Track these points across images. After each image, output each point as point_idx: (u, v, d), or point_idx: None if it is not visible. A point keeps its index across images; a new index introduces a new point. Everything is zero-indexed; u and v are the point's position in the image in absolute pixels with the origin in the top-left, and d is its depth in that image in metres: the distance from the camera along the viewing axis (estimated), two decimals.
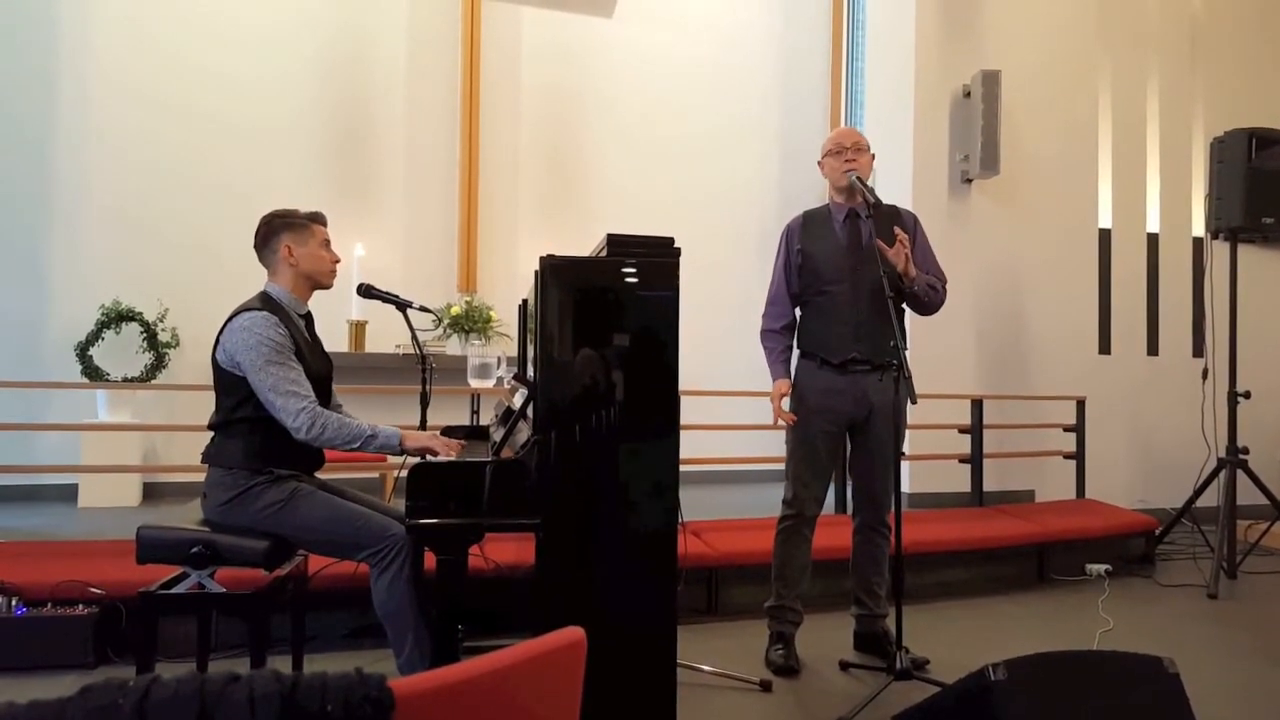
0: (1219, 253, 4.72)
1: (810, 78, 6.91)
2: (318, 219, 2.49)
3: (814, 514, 3.00)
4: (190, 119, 5.58)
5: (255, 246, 2.46)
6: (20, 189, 5.29)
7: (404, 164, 6.04)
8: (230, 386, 2.32)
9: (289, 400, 2.24)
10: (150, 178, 5.49)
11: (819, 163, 3.10)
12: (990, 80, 5.21)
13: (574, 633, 0.96)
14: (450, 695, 0.82)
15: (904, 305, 3.00)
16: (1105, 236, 5.86)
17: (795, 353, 3.10)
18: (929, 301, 2.96)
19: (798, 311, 3.09)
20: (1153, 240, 6.00)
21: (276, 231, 2.44)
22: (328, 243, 2.50)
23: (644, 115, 6.50)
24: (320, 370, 2.47)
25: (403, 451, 2.35)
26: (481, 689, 0.85)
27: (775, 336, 3.06)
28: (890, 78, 5.67)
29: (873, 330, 2.91)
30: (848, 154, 2.96)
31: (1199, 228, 5.97)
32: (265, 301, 2.37)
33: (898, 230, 2.80)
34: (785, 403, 2.99)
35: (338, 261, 2.53)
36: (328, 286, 2.52)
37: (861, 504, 3.06)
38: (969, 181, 5.39)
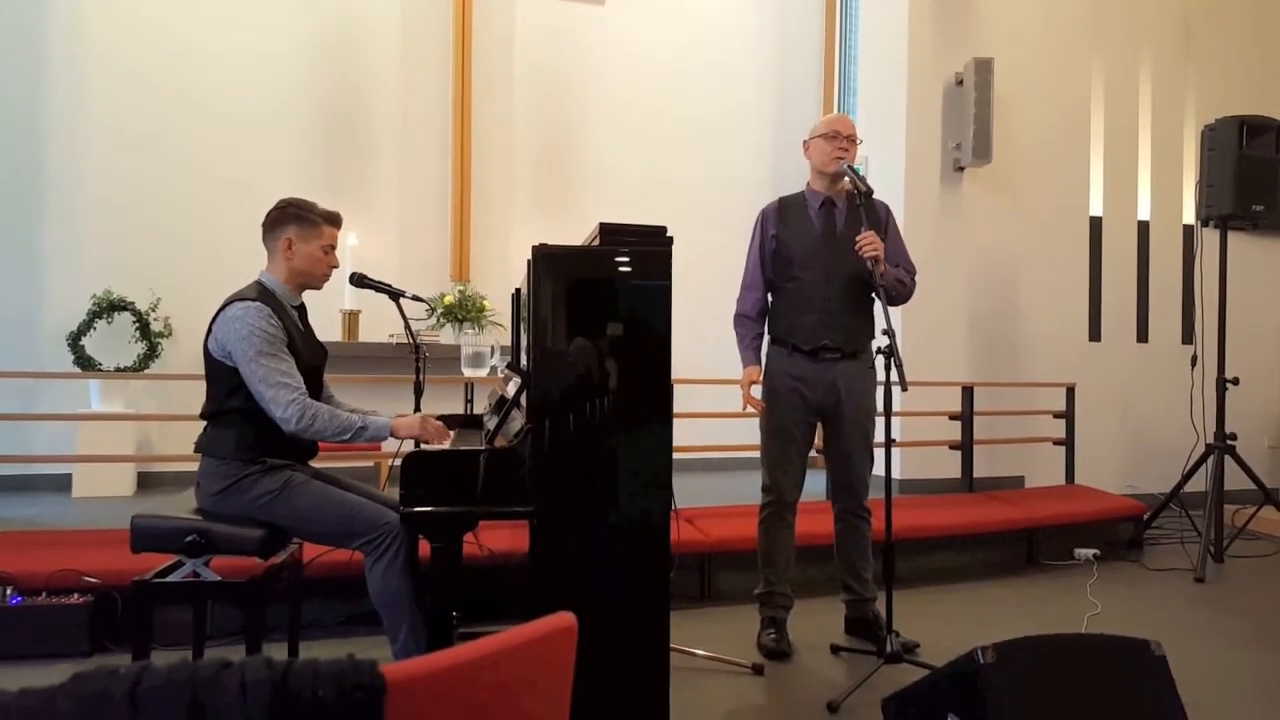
0: (1209, 240, 4.75)
1: (803, 65, 6.89)
2: (332, 220, 2.47)
3: (794, 498, 3.03)
4: (182, 105, 5.53)
5: (262, 226, 2.44)
6: (11, 177, 5.26)
7: (397, 152, 6.01)
8: (222, 376, 2.31)
9: (279, 392, 2.23)
10: (142, 164, 5.46)
11: (805, 142, 3.09)
12: (983, 68, 5.21)
13: (565, 618, 0.97)
14: (442, 680, 0.83)
15: (873, 296, 3.02)
16: (1096, 224, 5.88)
17: (765, 339, 3.11)
18: (897, 295, 2.97)
19: (769, 297, 3.10)
20: (1143, 228, 6.02)
21: (286, 221, 2.41)
22: (332, 247, 2.48)
23: (636, 103, 6.48)
24: (313, 361, 2.47)
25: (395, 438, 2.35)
26: (473, 674, 0.86)
27: (748, 322, 3.07)
28: (883, 65, 5.67)
29: (844, 318, 2.95)
30: (841, 141, 2.96)
31: (1189, 215, 5.99)
32: (260, 292, 2.36)
33: (867, 232, 2.79)
34: (755, 390, 3.01)
35: (335, 267, 2.51)
36: (317, 288, 2.51)
37: (840, 491, 3.09)
38: (961, 170, 5.40)
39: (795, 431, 2.99)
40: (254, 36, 5.70)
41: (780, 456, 3.00)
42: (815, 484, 3.21)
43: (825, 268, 2.95)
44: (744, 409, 3.03)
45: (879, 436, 2.81)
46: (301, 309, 2.53)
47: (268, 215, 2.44)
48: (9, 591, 2.81)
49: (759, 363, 3.04)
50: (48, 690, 0.76)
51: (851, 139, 2.98)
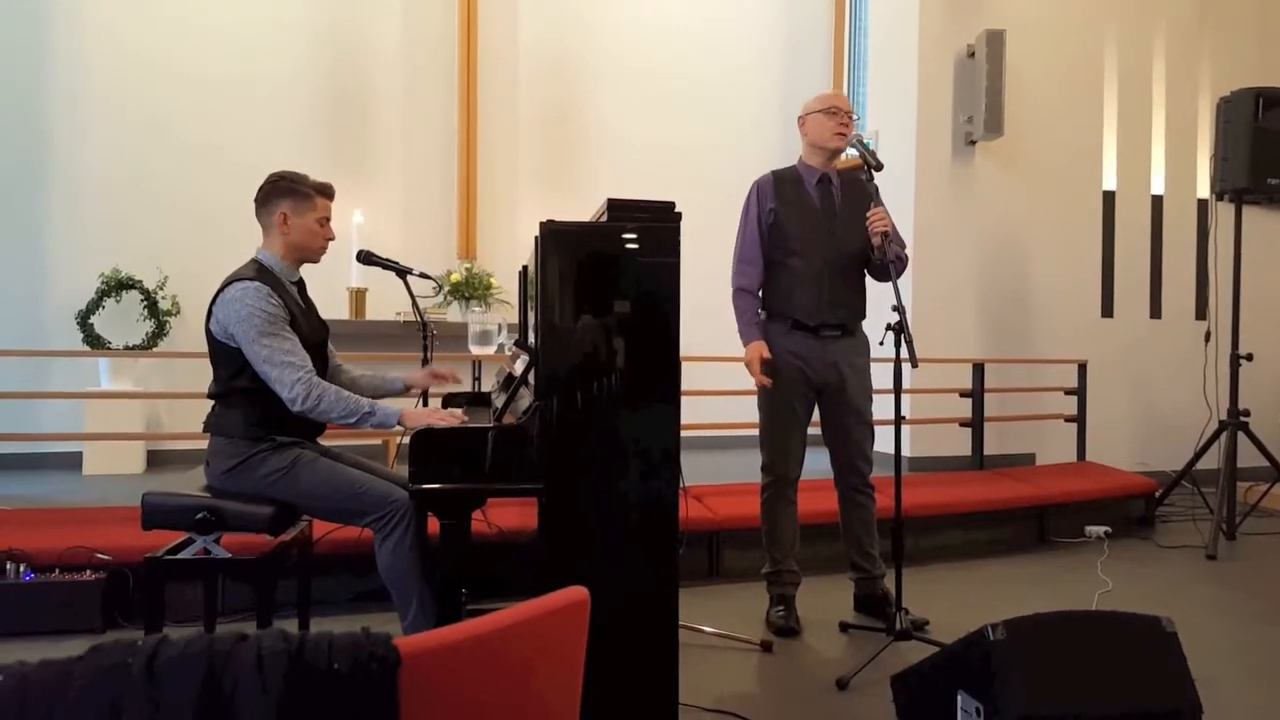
0: (1223, 214, 4.69)
1: (812, 38, 6.81)
2: (325, 191, 2.44)
3: (796, 475, 3.02)
4: (186, 82, 5.50)
5: (255, 201, 2.41)
6: (16, 156, 5.25)
7: (402, 128, 5.98)
8: (226, 357, 2.30)
9: (284, 371, 2.22)
10: (147, 142, 5.44)
11: (801, 118, 3.06)
12: (995, 40, 5.13)
13: (577, 592, 0.97)
14: (455, 653, 0.83)
15: (865, 271, 3.03)
16: (1109, 198, 5.82)
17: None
18: (896, 271, 2.92)
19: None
20: (1157, 202, 5.96)
21: (279, 195, 2.38)
22: (327, 219, 2.44)
23: (642, 74, 6.40)
24: (315, 336, 2.45)
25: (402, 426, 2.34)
26: (486, 647, 0.86)
27: (750, 297, 3.03)
28: (894, 38, 5.60)
29: (844, 295, 2.96)
30: (842, 117, 2.95)
31: (1204, 189, 5.93)
32: (258, 270, 2.34)
33: (877, 209, 2.80)
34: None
35: (331, 239, 2.48)
36: (314, 262, 2.48)
37: (843, 469, 3.07)
38: (973, 143, 5.34)
39: (798, 409, 2.98)
40: (256, 13, 5.66)
41: (783, 434, 2.99)
42: (819, 462, 3.20)
43: (826, 244, 2.94)
44: (756, 385, 2.98)
45: (889, 414, 2.80)
46: (300, 284, 2.51)
47: (259, 191, 2.40)
48: (22, 568, 2.83)
49: (762, 337, 3.01)
50: (67, 662, 0.77)
51: (850, 114, 2.99)
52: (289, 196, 2.38)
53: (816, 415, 3.08)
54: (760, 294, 3.06)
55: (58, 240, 5.31)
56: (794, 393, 2.96)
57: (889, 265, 2.74)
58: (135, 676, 0.74)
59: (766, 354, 2.93)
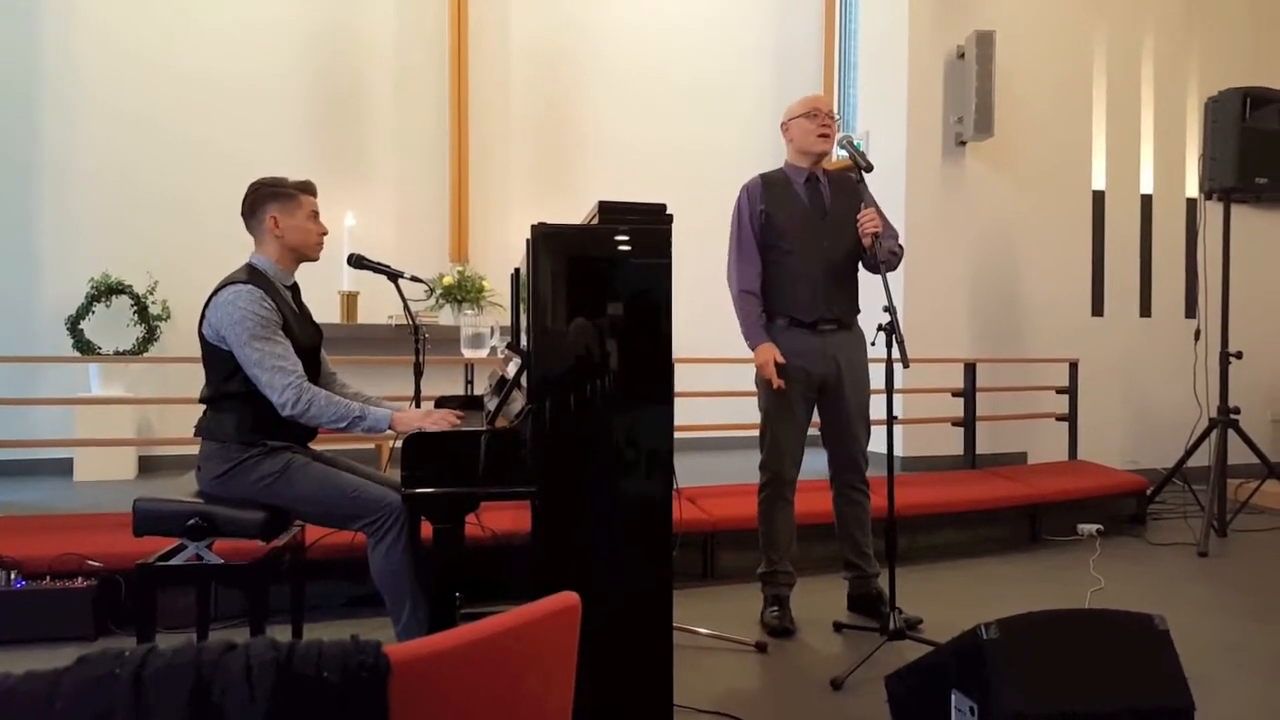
0: (1212, 213, 4.72)
1: (804, 39, 6.82)
2: (307, 189, 2.44)
3: (794, 475, 3.03)
4: (180, 84, 5.47)
5: (242, 215, 2.42)
6: (7, 159, 5.21)
7: (394, 132, 5.96)
8: (218, 361, 2.30)
9: (274, 376, 2.22)
10: (139, 146, 5.41)
11: (784, 124, 3.08)
12: (984, 41, 5.15)
13: (568, 597, 0.97)
14: (446, 660, 0.83)
15: (858, 266, 3.05)
16: (1099, 198, 5.84)
17: None
18: (889, 265, 2.92)
19: None
20: (1146, 202, 5.99)
21: (263, 201, 2.38)
22: (316, 214, 2.45)
23: (634, 77, 6.41)
24: (309, 342, 2.45)
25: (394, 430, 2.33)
26: (477, 654, 0.85)
27: (754, 299, 3.02)
28: (884, 39, 5.61)
29: (838, 291, 2.98)
30: (823, 119, 2.98)
31: (1193, 189, 5.96)
32: (251, 274, 2.34)
33: (867, 210, 2.84)
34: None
35: (325, 234, 2.48)
36: (314, 259, 2.48)
37: (841, 465, 3.08)
38: (963, 144, 5.36)
39: (798, 409, 2.99)
40: (249, 12, 5.64)
41: (783, 434, 2.99)
42: (816, 462, 3.20)
43: (818, 241, 2.96)
44: (775, 386, 2.91)
45: (881, 414, 2.81)
46: (295, 289, 2.51)
47: (244, 203, 2.41)
48: (13, 576, 2.81)
49: (770, 339, 3.01)
50: (52, 673, 0.76)
51: (831, 115, 3.02)
52: (274, 200, 2.39)
53: (814, 417, 3.09)
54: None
55: (48, 242, 5.28)
56: (795, 392, 2.97)
57: (880, 264, 2.77)
58: (123, 687, 0.73)
59: (780, 358, 2.93)
